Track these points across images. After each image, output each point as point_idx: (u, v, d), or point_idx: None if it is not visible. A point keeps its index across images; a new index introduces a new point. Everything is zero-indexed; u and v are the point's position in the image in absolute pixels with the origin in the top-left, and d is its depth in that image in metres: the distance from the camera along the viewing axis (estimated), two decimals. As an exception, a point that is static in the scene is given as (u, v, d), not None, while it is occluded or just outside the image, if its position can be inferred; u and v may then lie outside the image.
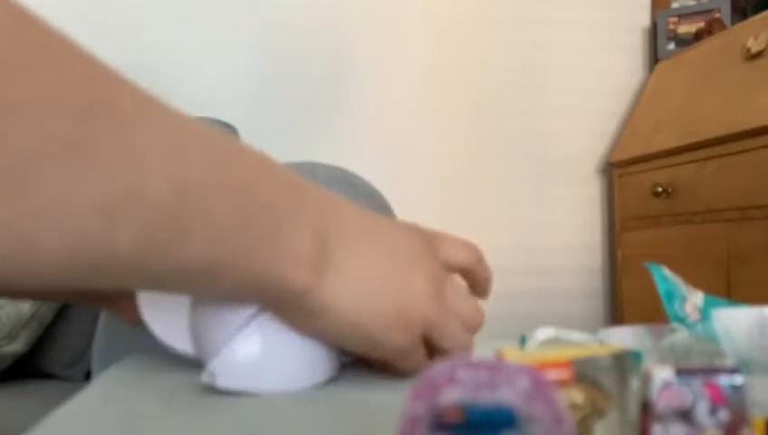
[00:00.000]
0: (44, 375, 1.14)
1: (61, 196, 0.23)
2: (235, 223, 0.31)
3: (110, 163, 0.25)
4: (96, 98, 0.25)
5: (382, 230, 0.40)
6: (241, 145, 0.33)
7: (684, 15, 1.92)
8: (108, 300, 0.50)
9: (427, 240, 0.42)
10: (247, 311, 0.38)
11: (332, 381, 0.42)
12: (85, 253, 0.25)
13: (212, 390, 0.41)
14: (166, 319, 0.43)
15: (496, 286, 1.85)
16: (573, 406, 0.25)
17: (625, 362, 0.27)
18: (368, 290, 0.37)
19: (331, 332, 0.38)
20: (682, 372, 0.24)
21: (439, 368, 0.18)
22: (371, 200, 0.99)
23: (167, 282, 0.31)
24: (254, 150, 0.34)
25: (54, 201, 0.23)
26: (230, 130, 1.31)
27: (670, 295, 0.46)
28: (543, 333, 0.42)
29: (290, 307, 0.36)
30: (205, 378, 0.38)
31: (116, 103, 0.26)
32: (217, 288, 0.33)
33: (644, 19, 2.01)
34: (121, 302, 0.50)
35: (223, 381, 0.38)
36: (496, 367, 0.18)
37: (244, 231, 0.31)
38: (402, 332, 0.38)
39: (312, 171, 1.01)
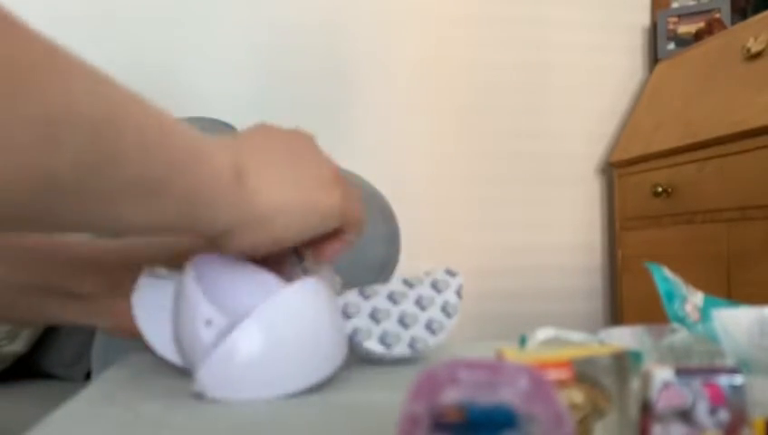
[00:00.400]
0: (44, 375, 1.14)
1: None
2: (162, 142, 0.33)
3: (45, 83, 0.27)
4: (21, 38, 0.26)
5: (275, 135, 0.46)
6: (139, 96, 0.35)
7: (684, 15, 1.92)
8: (81, 306, 0.50)
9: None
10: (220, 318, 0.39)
11: (332, 381, 0.42)
12: (27, 172, 0.26)
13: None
14: (160, 328, 0.43)
15: (497, 286, 1.85)
16: (573, 406, 0.25)
17: (625, 362, 0.27)
18: (290, 176, 0.42)
19: (283, 224, 0.41)
20: (682, 372, 0.24)
21: (439, 368, 0.18)
22: (371, 200, 0.99)
23: (108, 207, 0.32)
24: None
25: None
26: (230, 129, 1.31)
27: (670, 295, 0.46)
28: (543, 333, 0.42)
29: (235, 224, 0.39)
30: (196, 388, 0.38)
31: (38, 43, 0.27)
32: (157, 214, 0.35)
33: (644, 19, 2.01)
34: (98, 309, 0.50)
35: (212, 391, 0.38)
36: (496, 367, 0.18)
37: (171, 150, 0.34)
38: (332, 191, 0.44)
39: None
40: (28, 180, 0.27)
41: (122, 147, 0.30)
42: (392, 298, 0.51)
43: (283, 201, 0.41)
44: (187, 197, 0.36)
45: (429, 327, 0.50)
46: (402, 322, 0.50)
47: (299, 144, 0.47)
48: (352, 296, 0.50)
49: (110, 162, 0.30)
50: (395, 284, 0.52)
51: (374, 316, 0.49)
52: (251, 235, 0.40)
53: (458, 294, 0.52)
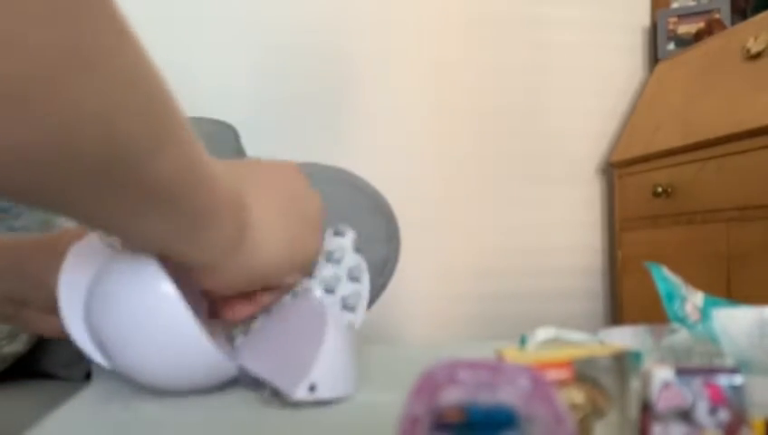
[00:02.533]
0: (44, 375, 1.14)
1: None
2: (189, 155, 0.32)
3: (110, 74, 0.26)
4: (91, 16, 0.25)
5: (276, 180, 0.44)
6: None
7: (684, 15, 1.92)
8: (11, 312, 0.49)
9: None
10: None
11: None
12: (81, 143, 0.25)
13: (210, 390, 0.41)
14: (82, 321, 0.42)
15: (497, 287, 1.84)
16: (573, 406, 0.25)
17: (625, 362, 0.27)
18: (283, 220, 0.41)
19: (264, 272, 0.40)
20: (682, 372, 0.24)
21: (439, 368, 0.18)
22: (371, 200, 0.99)
23: (120, 208, 0.30)
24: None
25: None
26: (230, 130, 1.31)
27: (670, 295, 0.46)
28: (543, 333, 0.42)
29: (228, 261, 0.38)
30: (300, 394, 0.36)
31: (112, 24, 0.27)
32: (171, 217, 0.33)
33: (644, 19, 2.01)
34: (23, 315, 0.49)
35: (324, 392, 0.36)
36: (496, 367, 0.18)
37: (195, 165, 0.33)
38: (315, 236, 0.44)
39: (311, 171, 1.01)
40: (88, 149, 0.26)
41: (162, 142, 0.29)
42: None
43: (275, 248, 0.40)
44: (193, 218, 0.34)
45: (346, 306, 0.47)
46: None
47: (291, 180, 0.45)
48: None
49: (149, 153, 0.29)
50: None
51: None
52: (233, 275, 0.39)
53: (356, 250, 0.49)
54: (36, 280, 0.45)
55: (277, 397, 0.38)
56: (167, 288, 0.37)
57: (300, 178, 0.46)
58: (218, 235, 0.36)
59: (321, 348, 0.37)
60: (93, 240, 0.44)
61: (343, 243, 0.49)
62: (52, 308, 0.43)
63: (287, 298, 0.47)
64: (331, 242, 0.50)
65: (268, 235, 0.40)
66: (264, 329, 0.46)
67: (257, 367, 0.40)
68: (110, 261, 0.39)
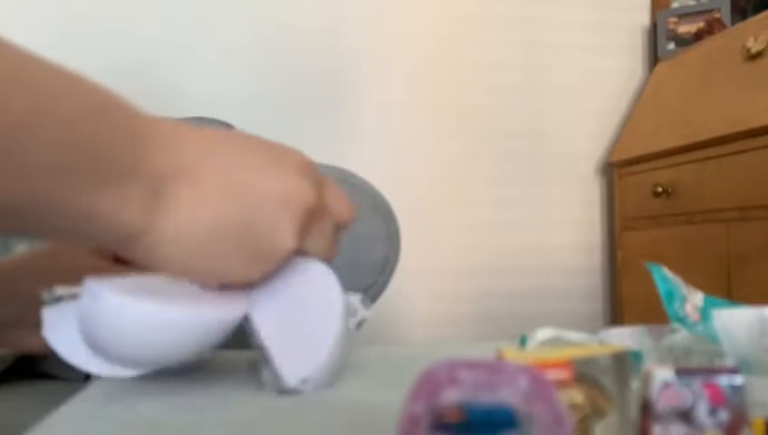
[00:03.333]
0: (44, 375, 1.14)
1: None
2: (55, 161, 0.30)
3: None
4: None
5: (238, 144, 0.40)
6: (83, 81, 0.32)
7: (684, 15, 1.92)
8: None
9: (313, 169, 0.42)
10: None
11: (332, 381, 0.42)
12: None
13: (210, 390, 0.41)
14: (70, 340, 0.43)
15: (497, 286, 1.84)
16: (573, 406, 0.25)
17: (625, 362, 0.27)
18: (208, 230, 0.36)
19: (179, 269, 0.37)
20: (682, 372, 0.24)
21: (439, 368, 0.18)
22: (371, 200, 0.99)
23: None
24: (98, 88, 0.32)
25: None
26: (229, 129, 1.31)
27: (670, 296, 0.46)
28: (543, 333, 0.42)
29: (131, 248, 0.36)
30: (292, 384, 0.38)
31: None
32: (44, 228, 0.32)
33: (644, 19, 2.01)
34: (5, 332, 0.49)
35: (313, 387, 0.39)
36: (496, 367, 0.18)
37: (68, 171, 0.31)
38: (258, 264, 0.39)
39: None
40: None
41: (30, 149, 0.28)
42: None
43: (185, 255, 0.37)
44: (81, 221, 0.32)
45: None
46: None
47: (265, 206, 0.38)
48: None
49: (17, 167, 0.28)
50: None
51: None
52: (141, 259, 0.37)
53: (366, 306, 0.49)
54: (29, 297, 0.46)
55: (274, 379, 0.39)
56: (116, 298, 0.36)
57: (283, 211, 0.38)
58: (108, 222, 0.34)
59: (324, 348, 0.39)
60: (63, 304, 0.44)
61: (353, 300, 0.50)
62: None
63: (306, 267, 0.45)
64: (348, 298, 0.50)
65: (184, 238, 0.36)
66: (279, 293, 0.44)
67: (265, 330, 0.41)
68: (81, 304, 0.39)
